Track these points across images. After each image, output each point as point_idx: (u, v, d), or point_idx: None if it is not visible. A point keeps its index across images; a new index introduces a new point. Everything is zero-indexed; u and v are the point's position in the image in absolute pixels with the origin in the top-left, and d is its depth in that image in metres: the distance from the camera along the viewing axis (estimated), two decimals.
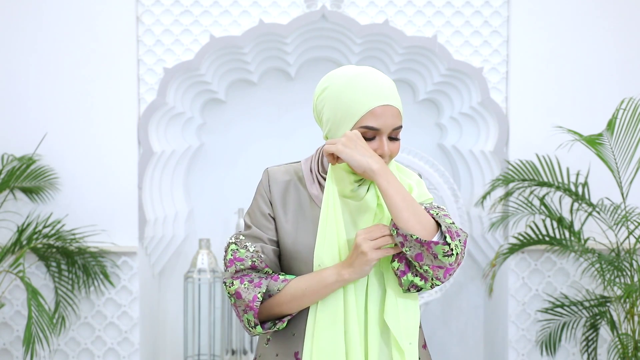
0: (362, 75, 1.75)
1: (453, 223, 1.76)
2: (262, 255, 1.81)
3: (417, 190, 1.82)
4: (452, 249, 1.67)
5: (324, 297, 1.75)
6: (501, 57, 4.15)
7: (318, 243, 1.76)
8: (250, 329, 1.79)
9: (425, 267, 1.69)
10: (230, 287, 1.79)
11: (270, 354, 1.83)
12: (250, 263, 1.80)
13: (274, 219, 1.84)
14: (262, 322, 1.81)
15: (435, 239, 1.68)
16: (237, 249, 1.82)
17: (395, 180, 1.70)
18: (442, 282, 1.73)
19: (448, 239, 1.67)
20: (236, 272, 1.81)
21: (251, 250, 1.81)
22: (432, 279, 1.71)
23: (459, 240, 1.70)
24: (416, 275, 1.72)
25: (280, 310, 1.78)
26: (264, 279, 1.78)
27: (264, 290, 1.77)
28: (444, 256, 1.67)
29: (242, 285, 1.78)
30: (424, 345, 1.86)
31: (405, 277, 1.72)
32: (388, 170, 1.71)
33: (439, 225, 1.72)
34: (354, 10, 4.13)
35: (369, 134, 1.73)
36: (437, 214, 1.74)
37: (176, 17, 4.08)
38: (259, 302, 1.76)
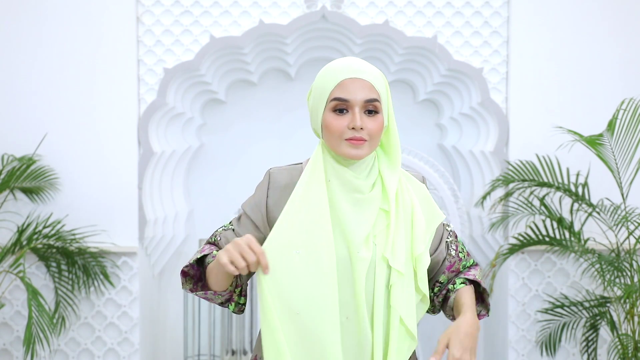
0: (335, 61, 1.78)
1: (463, 250, 1.92)
2: (220, 238, 1.84)
3: (428, 207, 1.85)
4: (488, 304, 1.92)
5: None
6: (501, 57, 4.15)
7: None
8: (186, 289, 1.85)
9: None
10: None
11: None
12: (212, 239, 1.87)
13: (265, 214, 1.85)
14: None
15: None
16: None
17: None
18: None
19: (486, 304, 1.91)
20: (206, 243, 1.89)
21: (219, 230, 1.87)
22: None
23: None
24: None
25: (210, 282, 1.78)
26: (208, 248, 1.83)
27: (198, 257, 1.81)
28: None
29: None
30: None
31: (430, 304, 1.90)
32: None
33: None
34: (354, 11, 4.13)
35: (341, 107, 1.73)
36: (471, 264, 1.96)
37: (176, 17, 4.09)
38: (188, 264, 1.81)
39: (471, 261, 1.93)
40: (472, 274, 1.89)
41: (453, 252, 1.89)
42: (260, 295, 1.70)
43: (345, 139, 1.72)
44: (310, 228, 1.72)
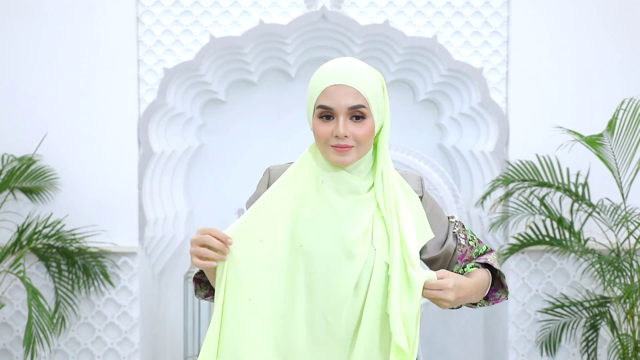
0: (325, 64, 1.76)
1: (472, 237, 1.90)
2: None
3: (420, 222, 1.80)
4: (506, 287, 1.89)
5: (213, 281, 1.75)
6: (501, 57, 4.15)
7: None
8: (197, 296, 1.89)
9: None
10: None
11: None
12: None
13: None
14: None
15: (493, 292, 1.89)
16: None
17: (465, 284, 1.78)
18: None
19: (505, 288, 1.88)
20: None
21: None
22: None
23: (497, 257, 1.93)
24: None
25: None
26: None
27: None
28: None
29: None
30: None
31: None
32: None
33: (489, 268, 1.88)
34: (354, 11, 4.13)
35: (326, 114, 1.72)
36: (491, 256, 1.89)
37: (176, 17, 4.09)
38: (199, 271, 1.83)
39: (484, 248, 1.90)
40: (485, 257, 1.87)
41: (463, 241, 1.87)
42: (218, 277, 1.71)
43: (331, 146, 1.73)
44: (275, 222, 1.74)
